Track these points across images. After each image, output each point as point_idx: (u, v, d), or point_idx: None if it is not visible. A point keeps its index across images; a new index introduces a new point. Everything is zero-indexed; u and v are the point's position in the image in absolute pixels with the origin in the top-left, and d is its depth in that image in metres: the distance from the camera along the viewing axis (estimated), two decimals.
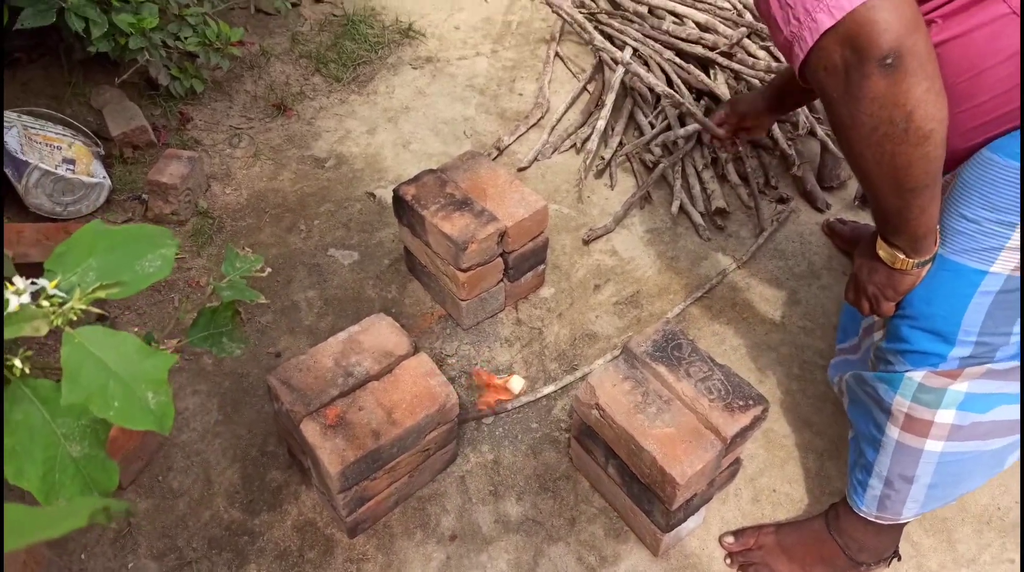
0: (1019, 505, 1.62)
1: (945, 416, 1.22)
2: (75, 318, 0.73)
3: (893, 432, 1.28)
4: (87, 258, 0.78)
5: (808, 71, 0.96)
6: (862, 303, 1.24)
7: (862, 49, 0.88)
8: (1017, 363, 1.20)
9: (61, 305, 0.74)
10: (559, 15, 2.78)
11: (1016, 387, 1.22)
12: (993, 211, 1.06)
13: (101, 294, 0.75)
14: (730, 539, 1.53)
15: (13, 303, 0.70)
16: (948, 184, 1.14)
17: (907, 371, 1.23)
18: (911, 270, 1.14)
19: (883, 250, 1.14)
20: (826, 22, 0.89)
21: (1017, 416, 1.24)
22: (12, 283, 0.71)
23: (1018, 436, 1.27)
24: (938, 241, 1.12)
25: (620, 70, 2.48)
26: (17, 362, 0.71)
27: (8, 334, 0.69)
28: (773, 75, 1.79)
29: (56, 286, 0.74)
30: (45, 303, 0.73)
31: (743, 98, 1.84)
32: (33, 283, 0.73)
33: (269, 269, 1.08)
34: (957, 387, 1.20)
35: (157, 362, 0.73)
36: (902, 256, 1.12)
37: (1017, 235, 1.06)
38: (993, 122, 1.04)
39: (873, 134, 0.94)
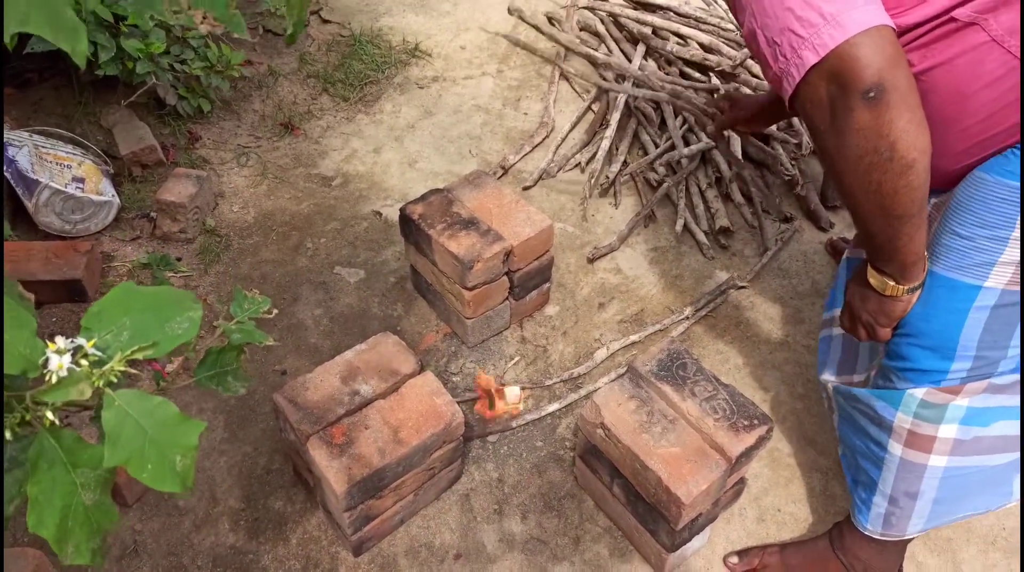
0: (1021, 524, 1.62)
1: (948, 431, 1.23)
2: (115, 380, 0.77)
3: (896, 449, 1.29)
4: (122, 317, 0.82)
5: (796, 104, 1.00)
6: (858, 331, 1.26)
7: (846, 84, 0.92)
8: (1017, 377, 1.21)
9: (97, 363, 0.77)
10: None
11: (1017, 401, 1.23)
12: (986, 228, 1.09)
13: (138, 355, 0.78)
14: (735, 559, 1.53)
15: (54, 362, 0.73)
16: (943, 204, 1.16)
17: (908, 388, 1.24)
18: (902, 296, 1.16)
19: (874, 278, 1.16)
20: (811, 59, 0.93)
21: (1018, 432, 1.25)
22: (54, 342, 0.75)
23: (1019, 454, 1.27)
24: (927, 267, 1.14)
25: (625, 89, 2.50)
26: (49, 414, 0.74)
27: (55, 398, 0.73)
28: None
29: (93, 345, 0.78)
30: (84, 362, 0.76)
31: (744, 99, 1.88)
32: (72, 341, 0.77)
33: (276, 310, 1.11)
34: (959, 402, 1.21)
35: (189, 429, 0.78)
36: (892, 283, 1.14)
37: (1009, 249, 1.09)
38: (980, 144, 1.07)
39: (859, 164, 0.97)
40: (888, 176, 0.96)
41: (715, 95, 2.10)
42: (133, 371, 0.79)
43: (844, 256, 1.54)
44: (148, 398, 0.77)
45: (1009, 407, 1.23)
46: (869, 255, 1.15)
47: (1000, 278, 1.11)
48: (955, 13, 1.00)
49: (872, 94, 0.91)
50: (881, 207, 1.01)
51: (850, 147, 0.96)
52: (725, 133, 1.93)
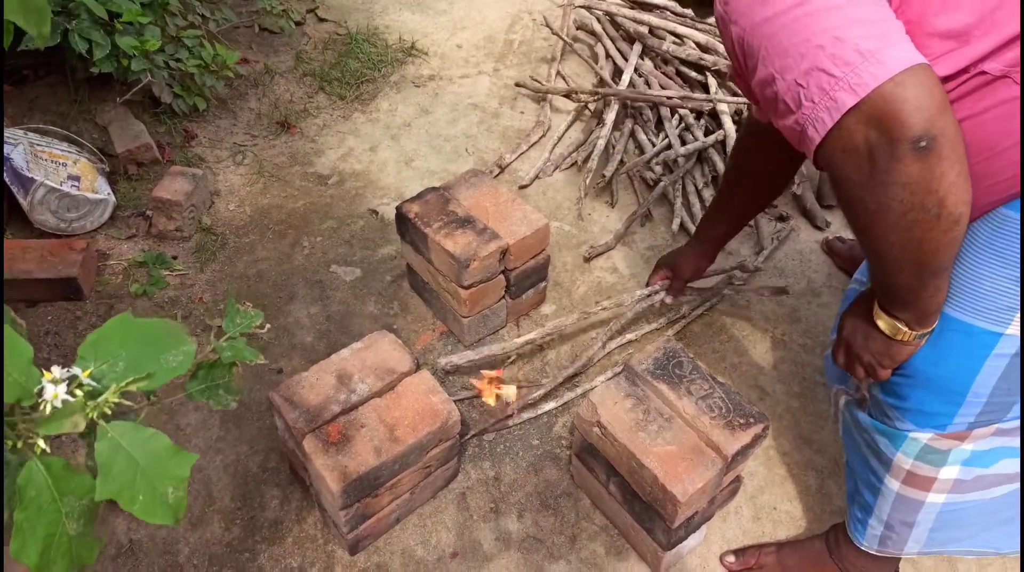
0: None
1: (949, 472, 1.18)
2: (108, 412, 0.77)
3: (893, 484, 1.24)
4: (118, 348, 0.82)
5: (824, 154, 0.90)
6: (856, 370, 1.17)
7: (891, 130, 0.82)
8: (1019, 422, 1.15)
9: (92, 393, 0.78)
10: (561, 36, 2.81)
11: (1018, 440, 1.17)
12: (1008, 267, 1.00)
13: (133, 387, 0.79)
14: (731, 558, 1.53)
15: (49, 392, 0.74)
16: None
17: (910, 431, 1.17)
18: (912, 341, 1.07)
19: (883, 321, 1.07)
20: (848, 101, 0.83)
21: (1018, 468, 1.20)
22: (49, 372, 0.75)
23: (1018, 484, 1.23)
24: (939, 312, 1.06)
25: (622, 85, 2.50)
26: (40, 443, 0.74)
27: (50, 430, 0.73)
28: (711, 214, 1.72)
29: (88, 375, 0.79)
30: (79, 393, 0.77)
31: (677, 260, 1.77)
32: (67, 370, 0.77)
33: (268, 325, 1.10)
34: (964, 447, 1.16)
35: (181, 461, 0.78)
36: (904, 329, 1.05)
37: None
38: (1009, 198, 0.98)
39: (902, 220, 0.88)
40: (933, 233, 0.87)
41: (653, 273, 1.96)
42: (127, 403, 0.79)
43: (850, 285, 1.41)
44: (141, 430, 0.77)
45: (1011, 446, 1.18)
46: (884, 299, 1.06)
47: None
48: (985, 66, 0.91)
49: (923, 143, 0.81)
50: (918, 262, 0.92)
51: (892, 201, 0.86)
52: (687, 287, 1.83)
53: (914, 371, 1.12)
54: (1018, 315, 1.02)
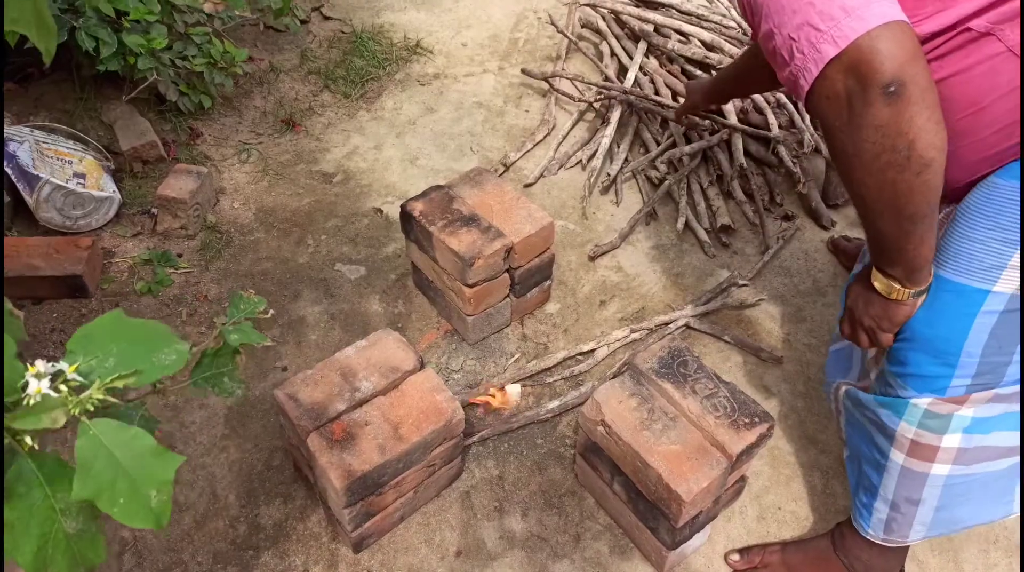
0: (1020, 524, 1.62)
1: (951, 440, 1.22)
2: (92, 409, 0.73)
3: (898, 457, 1.28)
4: (109, 344, 0.79)
5: (812, 101, 0.98)
6: (859, 336, 1.24)
7: (865, 77, 0.90)
8: (1018, 387, 1.19)
9: (79, 388, 0.74)
10: (565, 35, 2.80)
11: (1017, 408, 1.21)
12: (998, 230, 1.07)
13: (119, 384, 0.76)
14: (736, 557, 1.52)
15: (32, 386, 0.71)
16: (952, 213, 1.14)
17: (911, 397, 1.22)
18: (907, 300, 1.13)
19: (879, 281, 1.14)
20: (830, 51, 0.91)
21: (1018, 439, 1.23)
22: (33, 365, 0.72)
23: (1018, 460, 1.26)
24: (932, 271, 1.12)
25: (627, 84, 2.50)
26: (28, 440, 0.71)
27: (26, 425, 0.69)
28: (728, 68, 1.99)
29: (75, 370, 0.75)
30: (63, 388, 0.73)
31: (689, 89, 2.06)
32: (53, 365, 0.74)
33: (272, 311, 1.09)
34: (964, 412, 1.20)
35: (165, 462, 0.74)
36: (898, 286, 1.11)
37: (1021, 253, 1.07)
38: (996, 156, 1.05)
39: (875, 162, 0.95)
40: (905, 175, 0.94)
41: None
42: (113, 400, 0.75)
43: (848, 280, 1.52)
44: (125, 429, 0.73)
45: (1010, 414, 1.22)
46: (875, 257, 1.13)
47: (1010, 282, 1.09)
48: (971, 23, 0.98)
49: (892, 88, 0.89)
50: (894, 207, 0.99)
51: (867, 144, 0.94)
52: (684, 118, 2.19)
53: (912, 333, 1.18)
54: (1004, 273, 1.09)
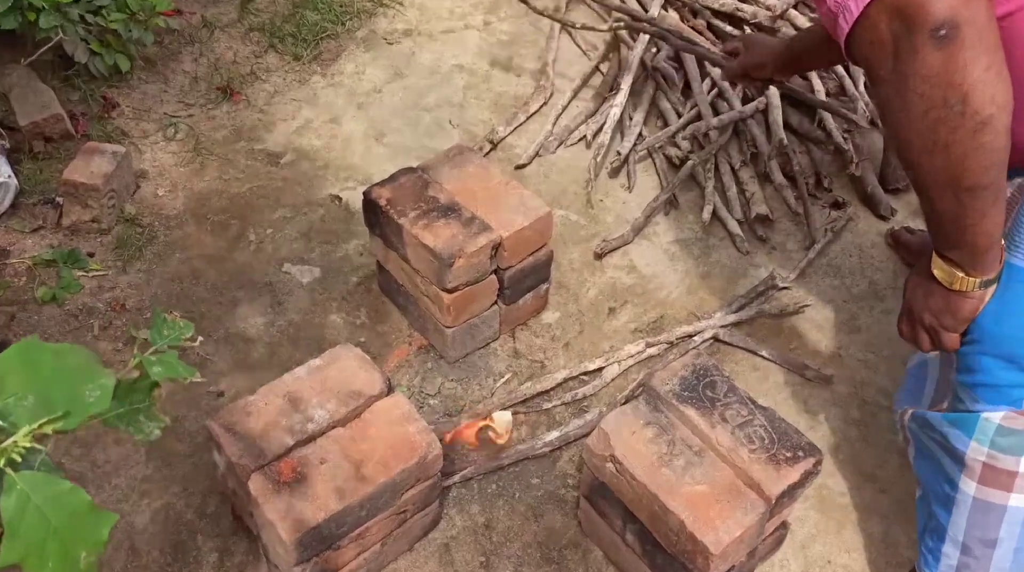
0: None
1: None
2: (18, 459, 0.76)
3: (969, 487, 1.28)
4: (26, 380, 0.81)
5: (853, 46, 0.99)
6: (920, 336, 1.24)
7: (912, 18, 0.90)
8: None
9: None
10: None
11: None
12: None
13: (47, 429, 0.78)
14: None
15: None
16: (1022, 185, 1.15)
17: (983, 411, 1.22)
18: (972, 291, 1.13)
19: (939, 268, 1.14)
20: None
21: None
22: None
23: None
24: (1004, 257, 1.12)
25: (639, 47, 2.51)
26: None
27: None
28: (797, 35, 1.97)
29: None
30: None
31: (760, 44, 1.94)
32: None
33: (201, 338, 1.09)
34: None
35: (100, 521, 0.79)
36: (961, 274, 1.12)
37: None
38: None
39: (924, 119, 0.95)
40: (959, 134, 0.95)
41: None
42: (39, 446, 0.78)
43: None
44: (56, 482, 0.77)
45: None
46: (934, 239, 1.13)
47: None
48: None
49: (943, 32, 0.89)
50: (949, 173, 0.99)
51: (914, 98, 0.94)
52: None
53: (980, 333, 1.19)
54: None
